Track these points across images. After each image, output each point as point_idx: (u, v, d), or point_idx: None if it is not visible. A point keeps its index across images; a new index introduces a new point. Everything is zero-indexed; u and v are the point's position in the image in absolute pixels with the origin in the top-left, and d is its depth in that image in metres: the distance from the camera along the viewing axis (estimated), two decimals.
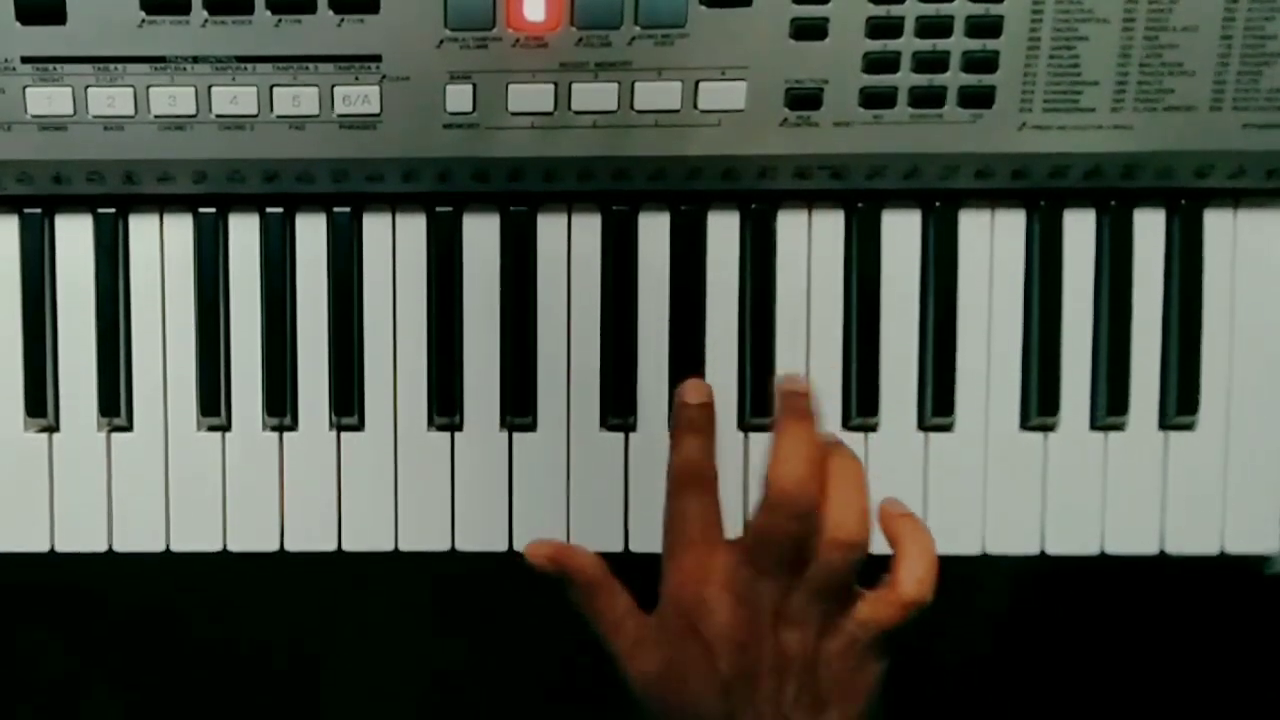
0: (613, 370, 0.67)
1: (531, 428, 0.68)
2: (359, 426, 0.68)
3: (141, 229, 0.67)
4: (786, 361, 0.67)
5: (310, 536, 0.67)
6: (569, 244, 0.68)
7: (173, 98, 0.63)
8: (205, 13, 0.61)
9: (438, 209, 0.67)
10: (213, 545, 0.67)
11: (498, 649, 0.80)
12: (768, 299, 0.67)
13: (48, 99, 0.63)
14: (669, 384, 0.68)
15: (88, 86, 0.62)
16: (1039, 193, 0.67)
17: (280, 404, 0.67)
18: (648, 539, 0.67)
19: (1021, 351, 0.68)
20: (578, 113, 0.63)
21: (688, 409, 0.63)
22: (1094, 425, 0.68)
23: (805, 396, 0.62)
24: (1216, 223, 0.67)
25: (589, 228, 0.67)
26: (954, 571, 0.66)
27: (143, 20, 0.61)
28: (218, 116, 0.63)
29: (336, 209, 0.67)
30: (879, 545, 0.62)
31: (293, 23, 0.62)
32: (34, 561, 0.67)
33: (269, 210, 0.67)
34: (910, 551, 0.62)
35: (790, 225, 0.68)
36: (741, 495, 0.68)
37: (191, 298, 0.67)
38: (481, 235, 0.67)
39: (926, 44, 0.63)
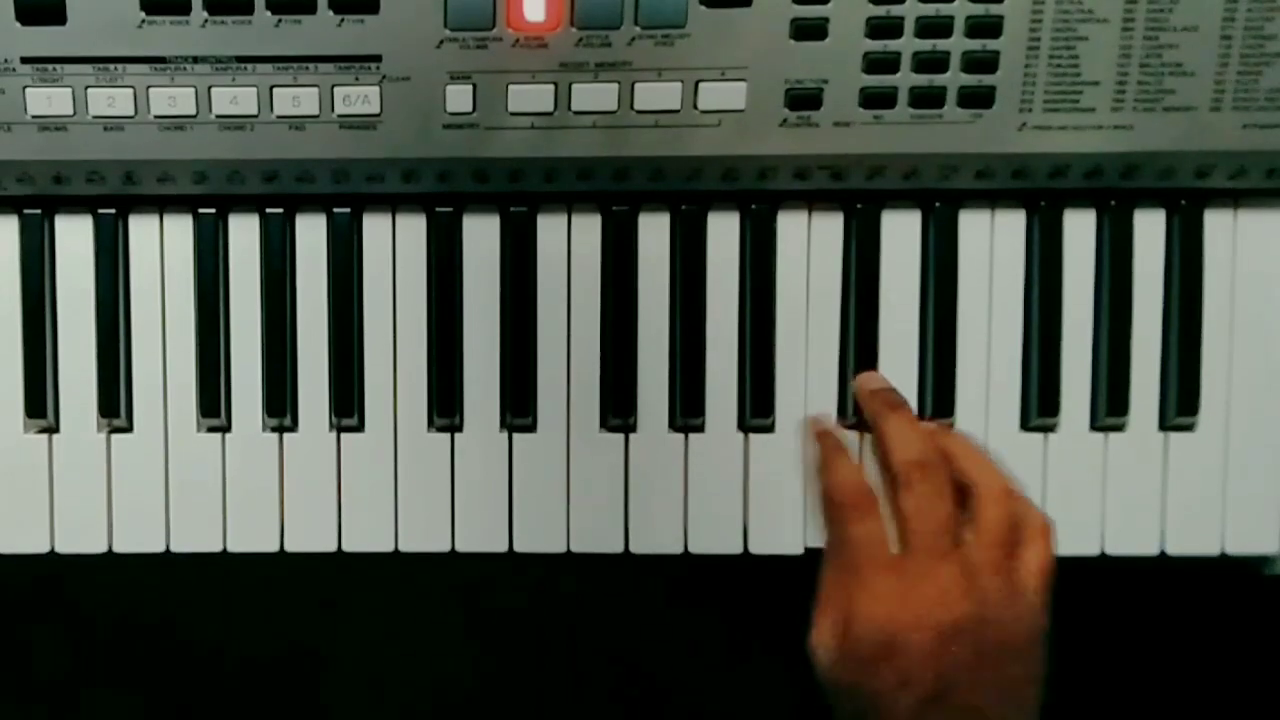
0: (613, 370, 0.67)
1: (531, 428, 0.68)
2: (359, 427, 0.68)
3: (141, 229, 0.67)
4: (786, 361, 0.67)
5: (310, 537, 0.67)
6: (569, 244, 0.68)
7: (173, 98, 0.63)
8: (205, 13, 0.61)
9: (438, 209, 0.67)
10: (213, 546, 0.67)
11: (498, 649, 0.80)
12: (768, 299, 0.67)
13: (48, 99, 0.63)
14: (669, 384, 0.68)
15: (88, 87, 0.62)
16: (1039, 193, 0.67)
17: (280, 404, 0.67)
18: (648, 539, 0.67)
19: (1021, 352, 0.68)
20: (578, 113, 0.63)
21: (825, 435, 0.66)
22: (1094, 426, 0.68)
23: (890, 390, 0.66)
24: (1216, 223, 0.67)
25: (589, 228, 0.67)
26: None
27: (143, 20, 0.61)
28: (218, 117, 0.63)
29: (336, 209, 0.67)
30: None
31: (293, 23, 0.62)
32: (34, 562, 0.67)
33: (269, 211, 0.67)
34: (976, 473, 0.64)
35: (790, 225, 0.67)
36: (741, 496, 0.67)
37: (191, 298, 0.67)
38: (481, 235, 0.67)
39: (926, 44, 0.63)
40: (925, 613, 0.60)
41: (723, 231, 0.67)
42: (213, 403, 0.67)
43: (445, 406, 0.67)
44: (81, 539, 0.67)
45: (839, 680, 0.62)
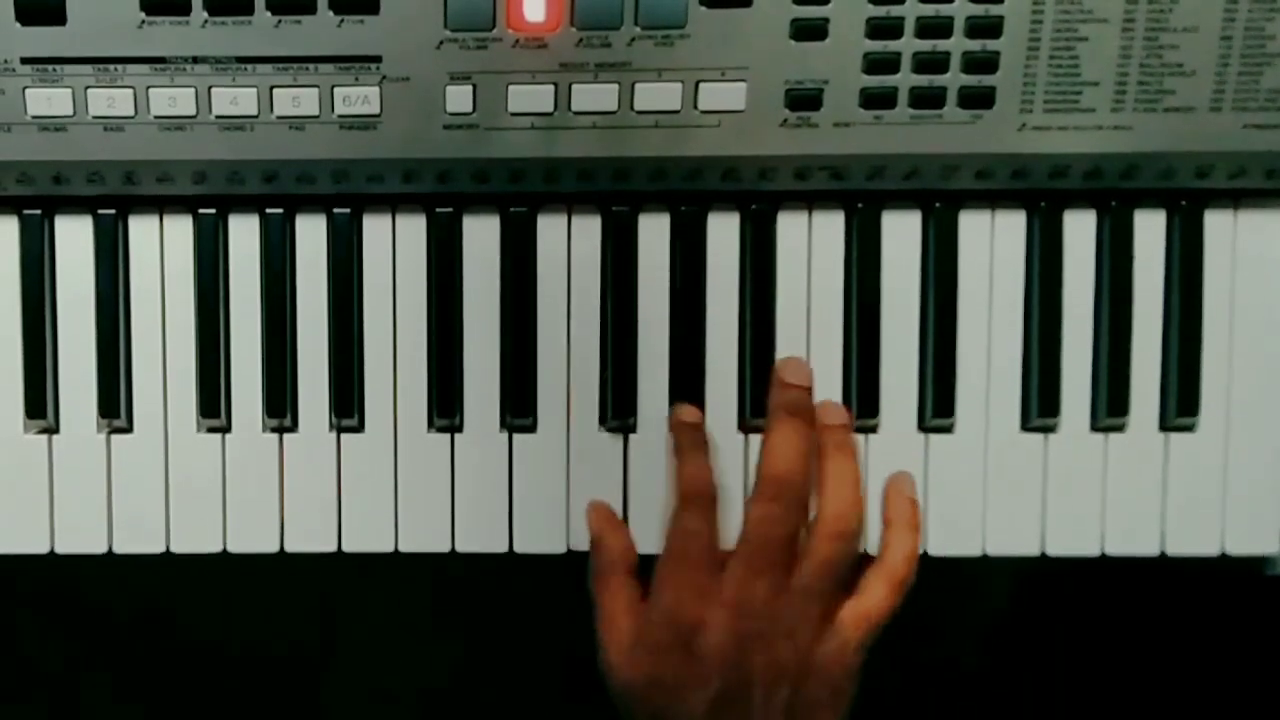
0: (613, 370, 0.67)
1: (531, 429, 0.68)
2: (359, 428, 0.68)
3: (141, 230, 0.67)
4: None
5: (310, 537, 0.67)
6: (569, 245, 0.67)
7: (173, 98, 0.63)
8: (205, 13, 0.61)
9: (438, 210, 0.67)
10: (213, 546, 0.67)
11: (498, 650, 0.80)
12: (768, 300, 0.67)
13: (48, 100, 0.62)
14: (669, 385, 0.68)
15: (88, 87, 0.62)
16: (1039, 193, 0.67)
17: (280, 405, 0.67)
18: (647, 540, 0.67)
19: (1022, 352, 0.68)
20: (578, 113, 0.63)
21: (687, 428, 0.65)
22: (1094, 426, 0.68)
23: (802, 391, 0.65)
24: (1216, 223, 0.67)
25: (589, 228, 0.67)
26: (955, 573, 0.66)
27: (143, 21, 0.61)
28: (218, 117, 0.63)
29: (336, 210, 0.67)
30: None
31: (293, 23, 0.62)
32: (34, 563, 0.67)
33: (269, 211, 0.67)
34: (899, 531, 0.65)
35: (790, 226, 0.67)
36: (741, 496, 0.67)
37: (191, 299, 0.67)
38: (481, 236, 0.67)
39: (926, 44, 0.63)
40: (726, 617, 0.61)
41: (723, 232, 0.67)
42: (213, 403, 0.67)
43: (445, 407, 0.67)
44: (81, 539, 0.67)
45: (631, 679, 0.62)
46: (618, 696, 0.63)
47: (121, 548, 0.67)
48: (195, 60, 0.62)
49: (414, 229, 0.67)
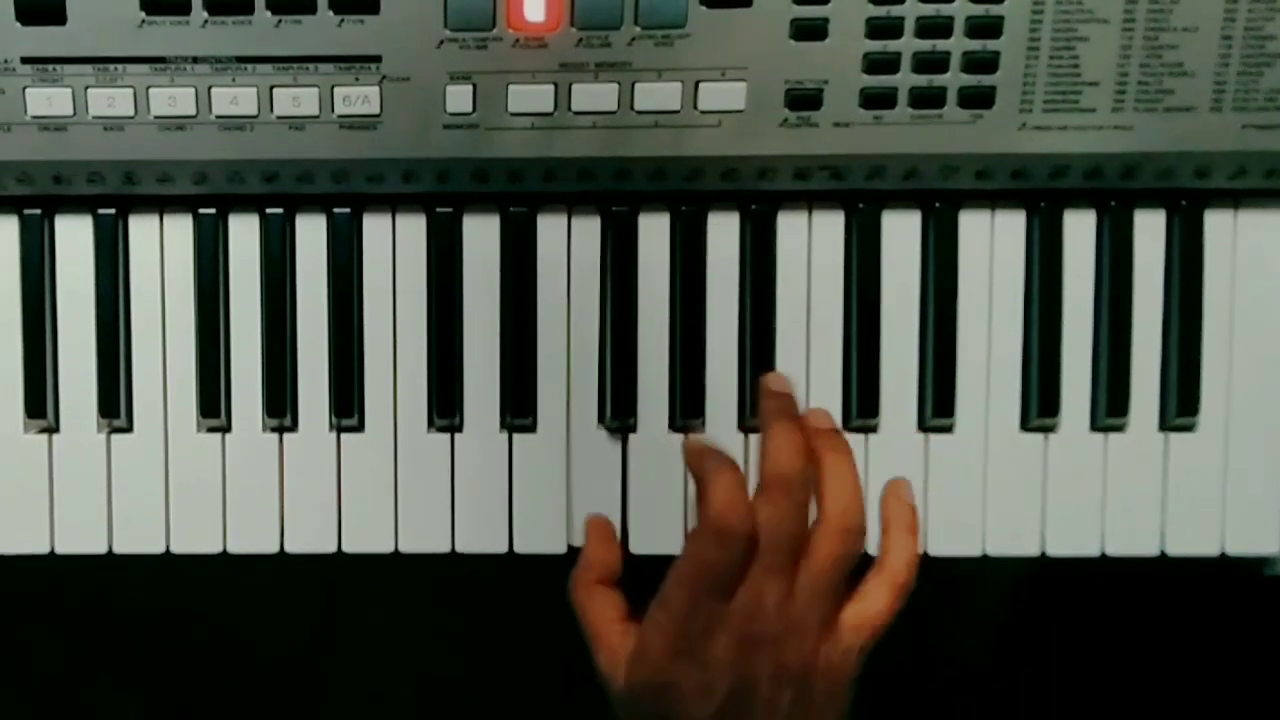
0: (613, 370, 0.67)
1: (531, 428, 0.68)
2: (359, 427, 0.68)
3: (141, 230, 0.67)
4: (787, 362, 0.67)
5: (310, 538, 0.67)
6: (569, 244, 0.68)
7: (173, 98, 0.63)
8: (205, 13, 0.61)
9: (438, 209, 0.67)
10: (213, 547, 0.67)
11: (498, 650, 0.80)
12: (768, 300, 0.67)
13: (48, 99, 0.62)
14: (669, 385, 0.68)
15: (88, 87, 0.62)
16: (1039, 193, 0.67)
17: (280, 405, 0.67)
18: (647, 540, 0.67)
19: (1021, 352, 0.68)
20: (578, 113, 0.63)
21: (706, 453, 0.63)
22: (1094, 426, 0.68)
23: (788, 397, 0.65)
24: (1216, 223, 0.67)
25: (589, 228, 0.67)
26: (954, 573, 0.66)
27: (143, 21, 0.61)
28: (218, 117, 0.63)
29: (336, 209, 0.67)
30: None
31: (293, 23, 0.62)
32: (34, 563, 0.67)
33: (269, 211, 0.67)
34: (899, 535, 0.64)
35: (790, 226, 0.67)
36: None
37: (191, 298, 0.67)
38: (481, 236, 0.67)
39: (926, 44, 0.63)
40: (735, 620, 0.60)
41: (723, 231, 0.67)
42: (213, 403, 0.67)
43: (445, 406, 0.67)
44: (81, 539, 0.67)
45: (635, 686, 0.62)
46: (620, 703, 0.63)
47: (121, 548, 0.67)
48: (195, 60, 0.62)
49: (414, 229, 0.67)
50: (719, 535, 0.60)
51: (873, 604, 0.63)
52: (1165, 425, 0.68)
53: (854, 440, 0.67)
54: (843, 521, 0.62)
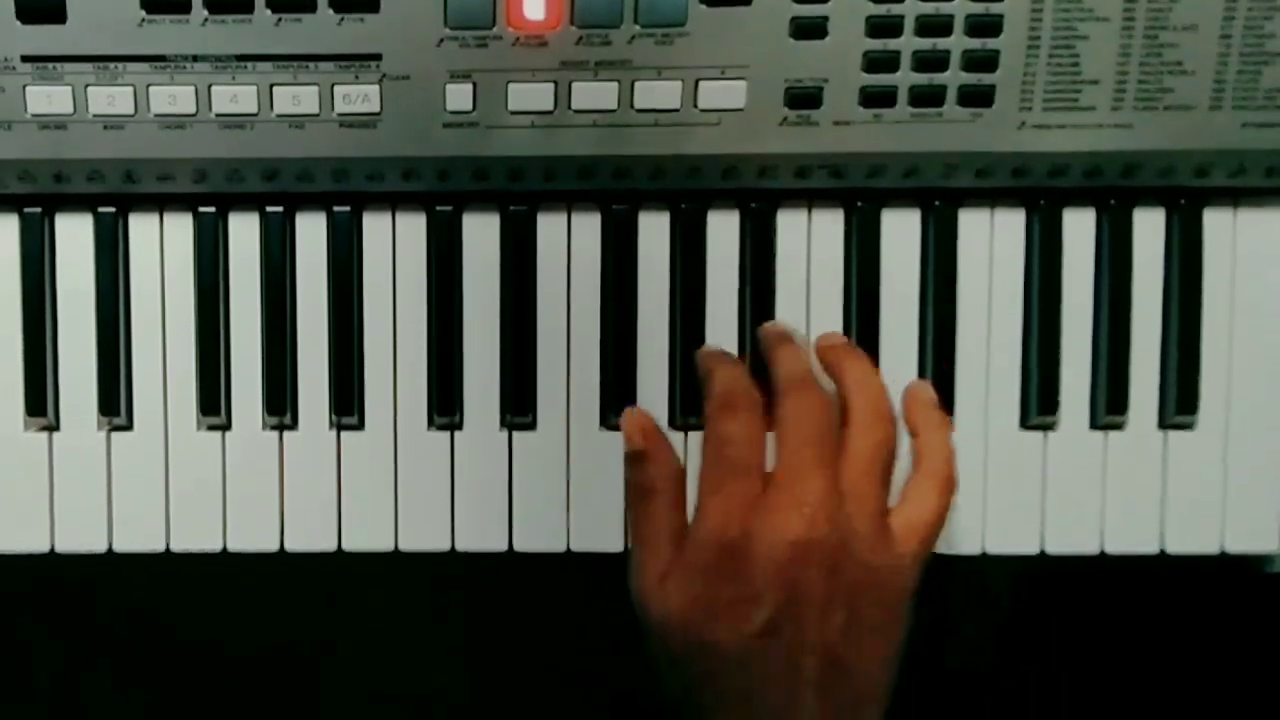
0: (613, 369, 0.67)
1: (531, 428, 0.68)
2: (359, 426, 0.68)
3: (141, 228, 0.67)
4: None
5: (310, 536, 0.67)
6: (569, 243, 0.68)
7: (173, 97, 0.63)
8: (205, 12, 0.61)
9: (438, 208, 0.67)
10: (213, 545, 0.67)
11: (497, 650, 0.80)
12: (768, 298, 0.67)
13: (48, 98, 0.63)
14: (669, 383, 0.68)
15: (88, 85, 0.62)
16: (1039, 192, 0.67)
17: (280, 403, 0.67)
18: None
19: (1021, 351, 0.68)
20: (578, 112, 0.63)
21: (712, 354, 0.63)
22: (1094, 425, 0.68)
23: (787, 331, 0.64)
24: (1216, 222, 0.67)
25: (589, 227, 0.67)
26: (954, 571, 0.66)
27: (143, 19, 0.62)
28: (218, 115, 0.63)
29: (336, 208, 0.67)
30: None
31: (293, 22, 0.62)
32: (34, 562, 0.67)
33: (269, 209, 0.67)
34: (930, 433, 0.63)
35: (790, 224, 0.68)
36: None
37: (191, 297, 0.67)
38: (481, 235, 0.67)
39: (926, 43, 0.63)
40: (779, 522, 0.56)
41: (723, 230, 0.67)
42: (213, 401, 0.67)
43: (445, 405, 0.67)
44: (81, 538, 0.67)
45: (672, 606, 0.57)
46: (653, 629, 0.59)
47: (121, 547, 0.67)
48: (195, 58, 0.62)
49: (414, 227, 0.67)
50: (723, 405, 0.59)
51: (919, 506, 0.60)
52: (1165, 423, 0.68)
53: None
54: (872, 413, 0.60)
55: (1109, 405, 0.67)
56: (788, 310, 0.67)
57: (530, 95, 0.63)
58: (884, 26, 0.62)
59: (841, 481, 0.58)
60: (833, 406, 0.60)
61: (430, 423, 0.68)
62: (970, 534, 0.68)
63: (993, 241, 0.67)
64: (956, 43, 0.63)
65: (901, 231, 0.67)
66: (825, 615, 0.56)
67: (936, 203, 0.67)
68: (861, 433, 0.60)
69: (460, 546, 0.68)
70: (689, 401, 0.67)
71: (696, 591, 0.57)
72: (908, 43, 0.63)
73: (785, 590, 0.56)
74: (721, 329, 0.67)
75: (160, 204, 0.67)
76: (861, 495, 0.58)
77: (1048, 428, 0.68)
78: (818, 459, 0.58)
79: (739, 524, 0.57)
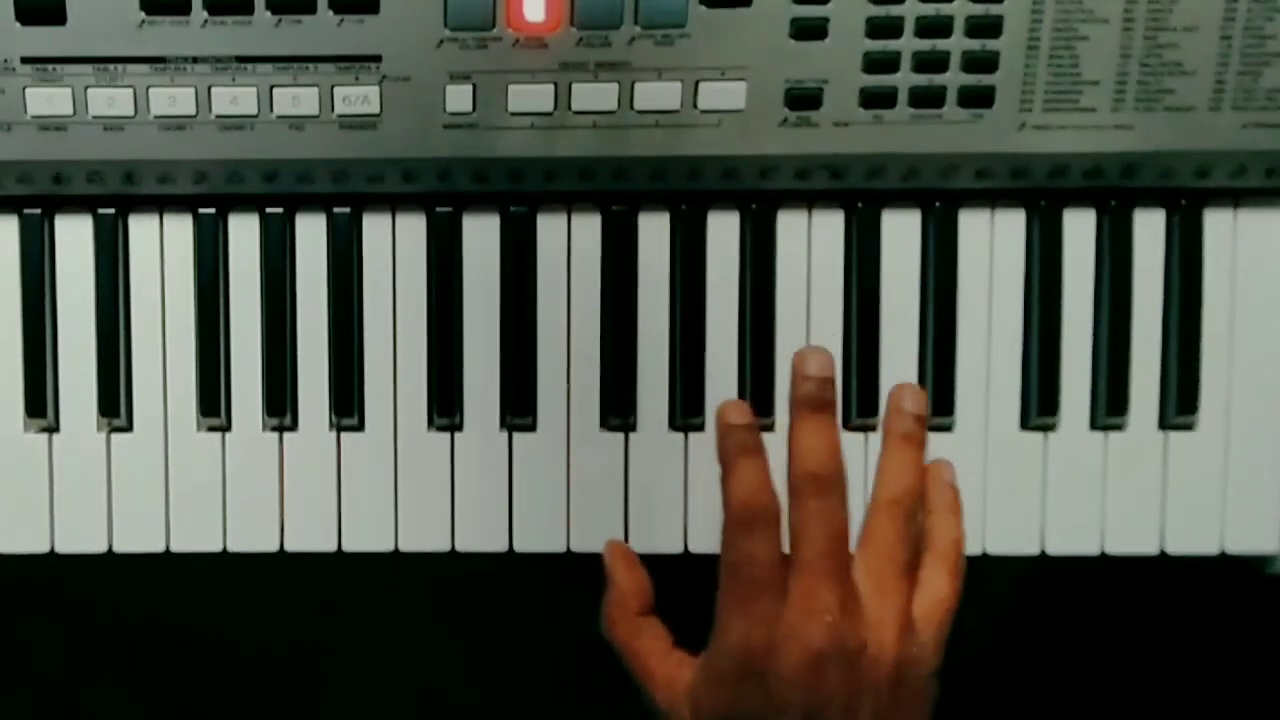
0: (613, 370, 0.67)
1: (531, 428, 0.68)
2: (359, 427, 0.68)
3: (141, 229, 0.67)
4: (787, 361, 0.67)
5: (310, 537, 0.67)
6: (569, 244, 0.68)
7: (173, 98, 0.63)
8: (205, 13, 0.61)
9: (438, 209, 0.67)
10: (213, 546, 0.67)
11: (497, 650, 0.80)
12: (768, 299, 0.67)
13: (48, 99, 0.63)
14: (669, 384, 0.68)
15: (88, 87, 0.62)
16: (1039, 193, 0.67)
17: (280, 404, 0.67)
18: (647, 539, 0.67)
19: (1021, 352, 0.68)
20: (578, 113, 0.63)
21: (734, 431, 0.61)
22: (1094, 425, 0.68)
23: (823, 383, 0.61)
24: (1216, 222, 0.67)
25: (589, 228, 0.67)
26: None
27: (143, 20, 0.62)
28: (218, 117, 0.63)
29: (336, 209, 0.67)
30: None
31: (293, 23, 0.62)
32: (34, 562, 0.67)
33: (269, 210, 0.67)
34: (941, 516, 0.63)
35: (790, 225, 0.67)
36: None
37: (191, 298, 0.67)
38: (481, 235, 0.67)
39: (926, 44, 0.63)
40: (802, 634, 0.57)
41: (723, 231, 0.67)
42: (213, 402, 0.67)
43: (445, 406, 0.67)
44: (81, 539, 0.67)
45: (704, 717, 0.59)
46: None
47: (121, 547, 0.67)
48: (195, 60, 0.62)
49: (414, 228, 0.67)
50: (742, 523, 0.59)
51: (935, 591, 0.60)
52: (1165, 424, 0.68)
53: (854, 440, 0.67)
54: (891, 494, 0.60)
55: (1109, 406, 0.67)
56: (788, 311, 0.67)
57: (530, 96, 0.63)
58: (884, 27, 0.62)
59: (865, 571, 0.59)
60: (845, 508, 0.59)
61: (430, 424, 0.68)
62: (971, 535, 0.67)
63: (993, 242, 0.67)
64: (956, 43, 0.63)
65: (902, 233, 0.67)
66: (852, 712, 0.57)
67: (937, 204, 0.67)
68: (878, 522, 0.60)
69: (460, 547, 0.68)
70: (689, 403, 0.67)
71: (726, 706, 0.58)
72: (908, 43, 0.63)
73: (811, 696, 0.57)
74: (721, 331, 0.67)
75: (160, 205, 0.67)
76: (886, 589, 0.59)
77: (1048, 429, 0.68)
78: (836, 568, 0.58)
79: (762, 639, 0.58)
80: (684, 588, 0.74)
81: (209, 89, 0.63)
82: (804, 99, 0.63)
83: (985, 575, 0.75)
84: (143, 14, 0.61)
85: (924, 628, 0.59)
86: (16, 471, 0.67)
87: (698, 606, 0.75)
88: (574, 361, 0.68)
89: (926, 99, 0.63)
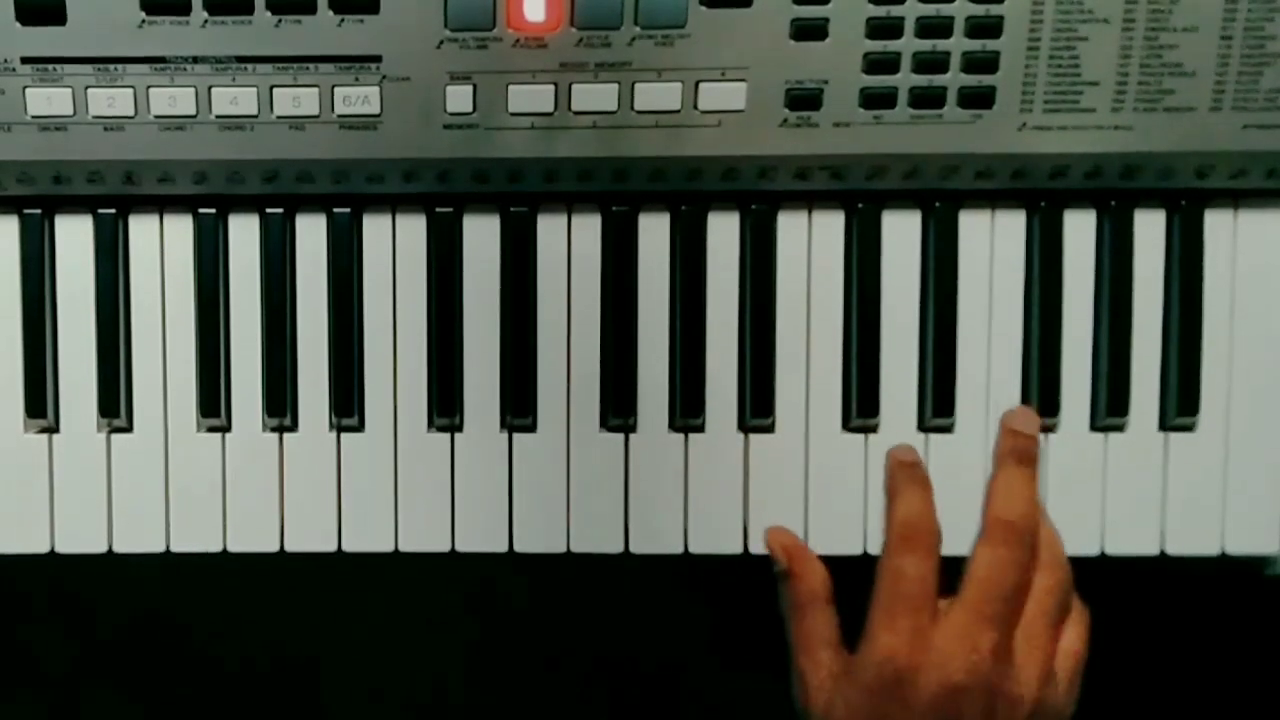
0: (613, 370, 0.67)
1: (531, 428, 0.68)
2: (359, 427, 0.68)
3: (141, 229, 0.67)
4: (787, 362, 0.67)
5: (310, 537, 0.67)
6: (569, 244, 0.68)
7: (173, 98, 0.63)
8: (205, 13, 0.61)
9: (438, 209, 0.67)
10: (213, 546, 0.67)
11: (497, 650, 0.80)
12: (768, 299, 0.67)
13: (48, 99, 0.63)
14: (669, 384, 0.68)
15: (88, 87, 0.62)
16: (1039, 193, 0.67)
17: (280, 404, 0.67)
18: (647, 540, 0.67)
19: (1021, 352, 0.68)
20: (578, 113, 0.63)
21: (904, 467, 0.64)
22: (1094, 426, 0.68)
23: (1030, 440, 0.64)
24: (1216, 223, 0.67)
25: (589, 228, 0.67)
26: (956, 572, 0.66)
27: (143, 21, 0.62)
28: (218, 117, 0.63)
29: (336, 209, 0.67)
30: None
31: (293, 23, 0.62)
32: (34, 562, 0.67)
33: (269, 211, 0.67)
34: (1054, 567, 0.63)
35: (790, 226, 0.67)
36: (741, 496, 0.67)
37: (191, 298, 0.67)
38: (481, 236, 0.67)
39: (926, 44, 0.63)
40: (947, 663, 0.59)
41: (723, 231, 0.67)
42: (213, 403, 0.67)
43: (445, 406, 0.67)
44: (81, 539, 0.67)
45: (835, 716, 0.61)
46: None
47: (121, 547, 0.67)
48: (195, 60, 0.62)
49: (414, 229, 0.67)
50: (904, 539, 0.61)
51: (1069, 639, 0.62)
52: (1165, 425, 0.68)
53: (854, 441, 0.67)
54: (1053, 549, 0.62)
55: (1109, 407, 0.67)
56: (788, 312, 0.67)
57: (530, 97, 0.63)
58: (884, 28, 0.62)
59: (1023, 621, 0.60)
60: (1029, 564, 0.61)
61: (430, 424, 0.68)
62: (971, 536, 0.67)
63: (993, 243, 0.67)
64: (957, 44, 0.63)
65: (902, 233, 0.67)
66: None
67: (937, 204, 0.67)
68: (1049, 572, 0.62)
69: (460, 547, 0.68)
70: (689, 404, 0.67)
71: (861, 706, 0.60)
72: (908, 44, 0.63)
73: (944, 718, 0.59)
74: (721, 331, 0.67)
75: (160, 205, 0.67)
76: (1035, 636, 0.60)
77: (1048, 429, 0.68)
78: (1001, 615, 0.60)
79: (907, 656, 0.60)
80: (687, 588, 0.74)
81: (209, 89, 0.63)
82: (804, 99, 0.63)
83: None
84: (143, 14, 0.61)
85: (1062, 677, 0.61)
86: (16, 472, 0.67)
87: (695, 606, 0.75)
88: (574, 362, 0.68)
89: (927, 100, 0.63)
